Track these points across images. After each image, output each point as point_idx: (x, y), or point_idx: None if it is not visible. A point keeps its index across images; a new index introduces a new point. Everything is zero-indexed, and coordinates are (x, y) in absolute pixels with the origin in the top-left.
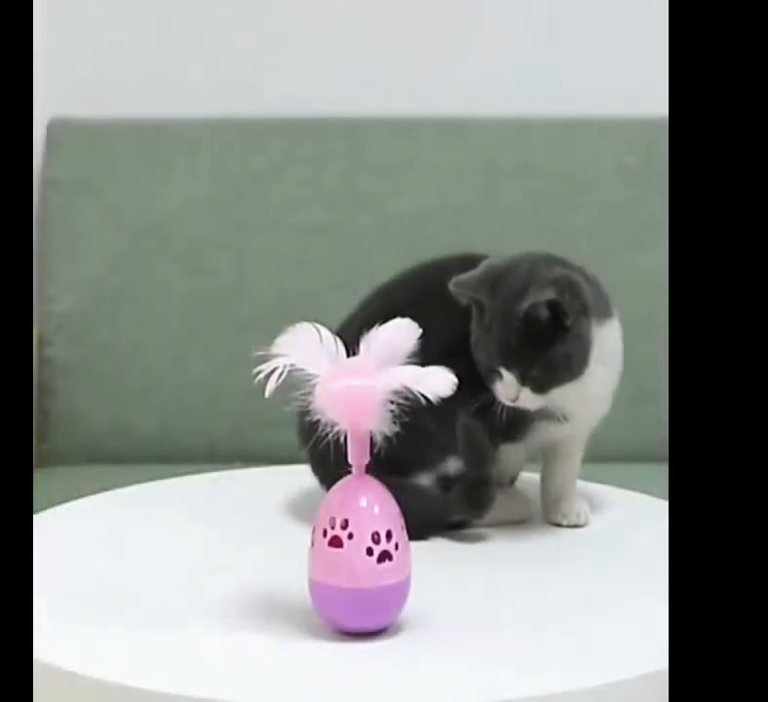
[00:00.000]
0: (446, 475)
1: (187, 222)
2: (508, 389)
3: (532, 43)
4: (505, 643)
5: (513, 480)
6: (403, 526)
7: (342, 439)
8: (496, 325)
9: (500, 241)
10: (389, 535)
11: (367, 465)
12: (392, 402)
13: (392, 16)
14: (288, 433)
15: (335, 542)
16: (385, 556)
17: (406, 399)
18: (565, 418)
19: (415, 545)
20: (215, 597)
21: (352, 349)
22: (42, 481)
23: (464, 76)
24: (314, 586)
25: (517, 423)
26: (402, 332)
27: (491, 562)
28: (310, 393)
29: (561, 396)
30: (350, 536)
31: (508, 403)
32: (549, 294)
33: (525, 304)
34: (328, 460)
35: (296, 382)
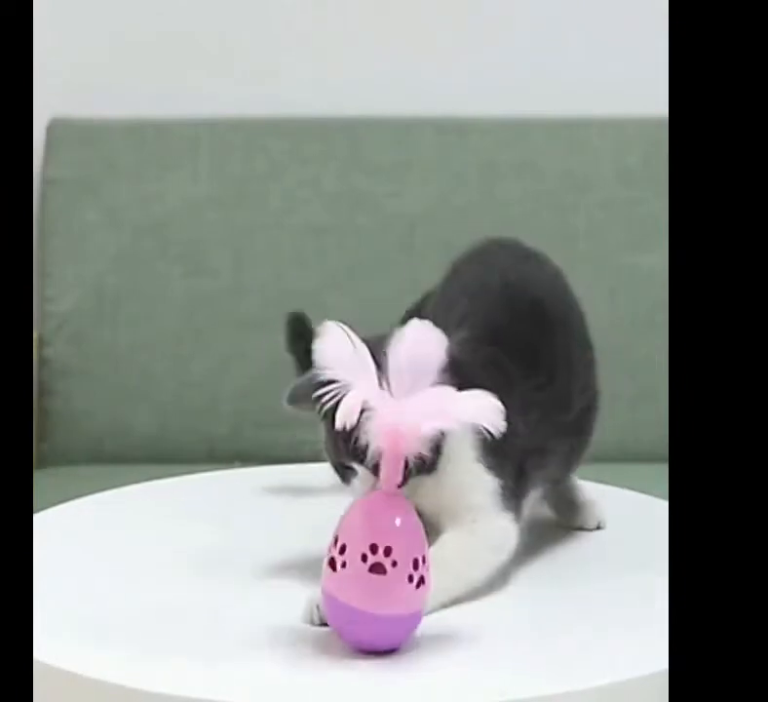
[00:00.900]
0: None
1: (187, 222)
2: (365, 481)
3: (532, 43)
4: (504, 644)
5: None
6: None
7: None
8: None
9: None
10: (424, 559)
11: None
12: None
13: (392, 16)
14: (288, 433)
15: (378, 569)
16: (421, 581)
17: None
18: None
19: None
20: (216, 597)
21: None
22: (42, 481)
23: (464, 76)
24: (344, 609)
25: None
26: (430, 345)
27: None
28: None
29: (418, 486)
30: (394, 564)
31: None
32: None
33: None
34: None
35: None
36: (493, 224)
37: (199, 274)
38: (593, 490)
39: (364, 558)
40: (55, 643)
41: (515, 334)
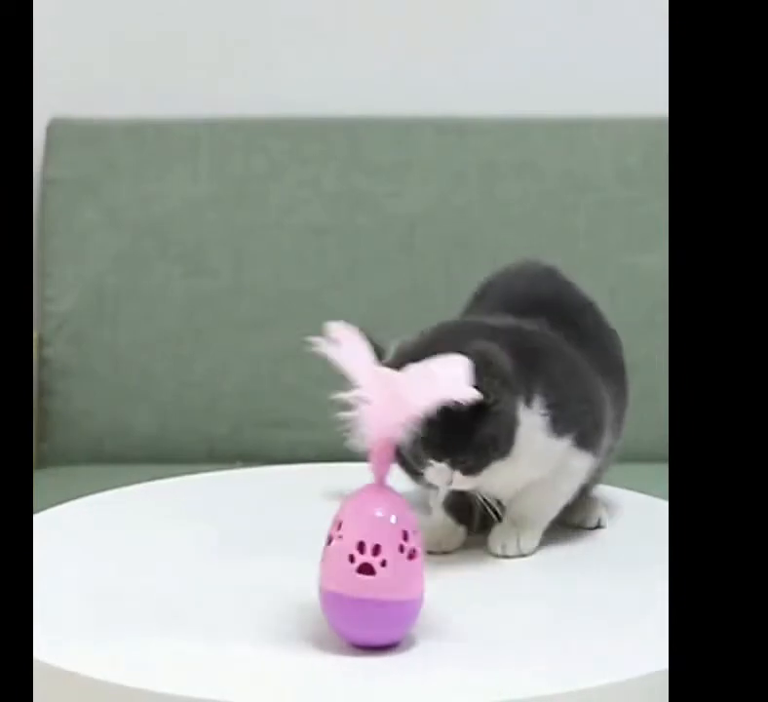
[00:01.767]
0: None
1: (187, 222)
2: (441, 475)
3: (532, 43)
4: (504, 644)
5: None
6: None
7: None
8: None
9: (500, 241)
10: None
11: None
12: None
13: (392, 16)
14: (289, 433)
15: (366, 569)
16: (414, 554)
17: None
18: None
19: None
20: (216, 597)
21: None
22: (42, 481)
23: (464, 76)
24: (340, 602)
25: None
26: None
27: (491, 562)
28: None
29: (493, 474)
30: (383, 564)
31: (443, 486)
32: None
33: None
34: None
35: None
36: (493, 224)
37: (199, 274)
38: (593, 490)
39: (352, 558)
40: (55, 643)
41: (558, 309)
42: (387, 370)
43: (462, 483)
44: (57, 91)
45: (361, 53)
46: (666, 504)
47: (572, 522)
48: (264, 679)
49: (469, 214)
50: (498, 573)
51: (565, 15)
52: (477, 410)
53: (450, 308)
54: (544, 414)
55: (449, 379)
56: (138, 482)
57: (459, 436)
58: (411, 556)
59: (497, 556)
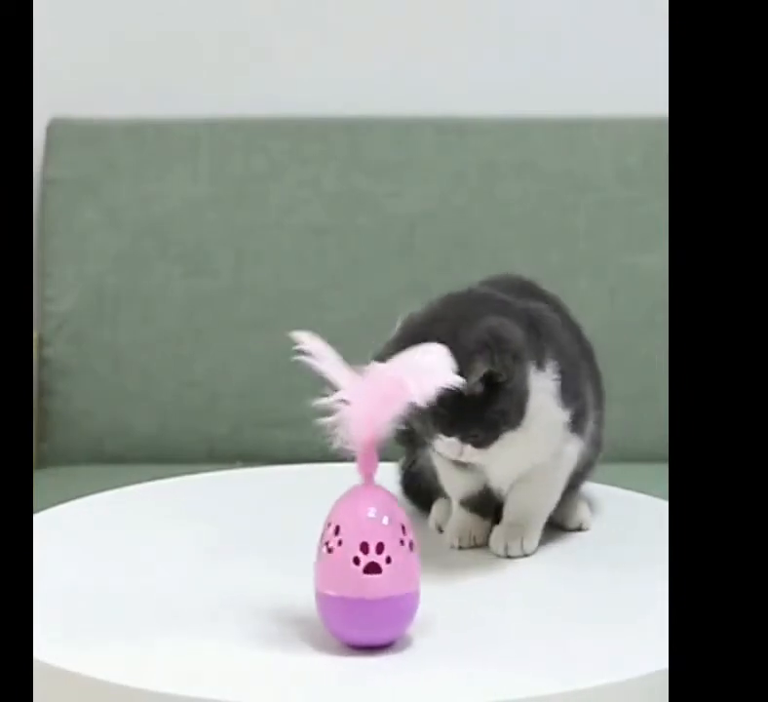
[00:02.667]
0: None
1: (187, 222)
2: (451, 448)
3: (532, 43)
4: (505, 644)
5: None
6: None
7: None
8: None
9: (500, 241)
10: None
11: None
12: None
13: (392, 16)
14: (289, 433)
15: (373, 569)
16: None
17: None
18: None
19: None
20: (216, 597)
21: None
22: (42, 481)
23: (464, 76)
24: (335, 602)
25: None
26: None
27: (491, 563)
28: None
29: (503, 447)
30: (388, 560)
31: (453, 457)
32: (480, 370)
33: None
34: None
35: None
36: (493, 224)
37: (199, 274)
38: (593, 490)
39: (357, 561)
40: (55, 643)
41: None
42: (371, 369)
43: (472, 455)
44: (57, 91)
45: (361, 53)
46: (666, 504)
47: (553, 521)
48: (264, 678)
49: (469, 214)
50: (497, 573)
51: (565, 15)
52: (489, 388)
53: None
54: (555, 379)
55: (432, 370)
56: (138, 482)
57: (470, 413)
58: (411, 548)
59: (500, 556)
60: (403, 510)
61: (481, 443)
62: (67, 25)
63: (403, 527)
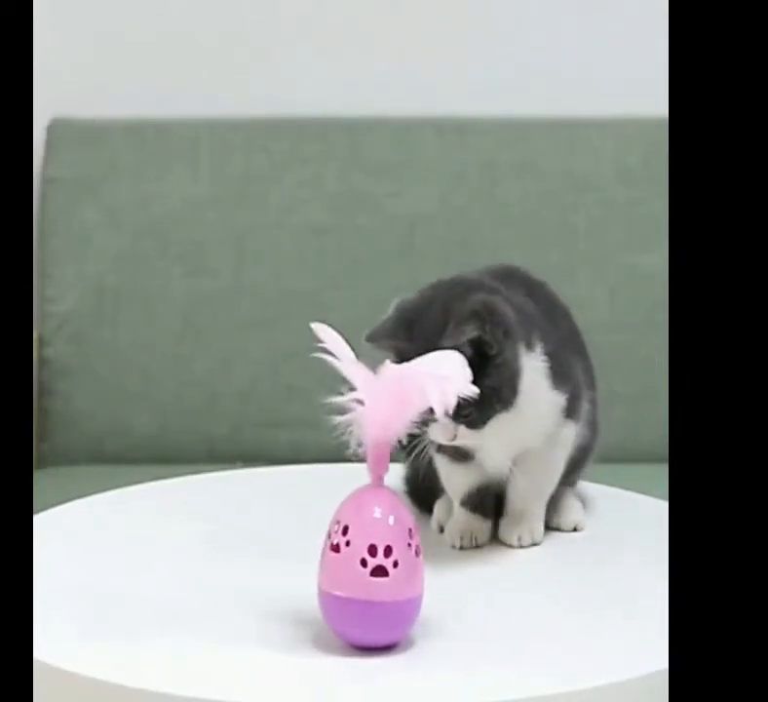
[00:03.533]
0: None
1: (187, 222)
2: (444, 430)
3: (532, 43)
4: (505, 644)
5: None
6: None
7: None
8: None
9: (500, 241)
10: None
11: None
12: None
13: (392, 16)
14: (289, 433)
15: (380, 572)
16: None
17: None
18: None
19: None
20: (216, 598)
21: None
22: (42, 481)
23: (464, 76)
24: (339, 602)
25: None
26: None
27: (492, 563)
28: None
29: (500, 427)
30: (395, 564)
31: (446, 442)
32: (470, 332)
33: (447, 346)
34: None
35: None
36: (493, 224)
37: (199, 274)
38: (592, 490)
39: (365, 563)
40: (55, 643)
41: (535, 294)
42: (389, 372)
43: (466, 437)
44: (57, 91)
45: (361, 53)
46: (666, 504)
47: (549, 524)
48: (264, 679)
49: (469, 214)
50: (497, 573)
51: (565, 15)
52: (479, 362)
53: None
54: (544, 360)
55: (451, 377)
56: (139, 482)
57: None
58: (417, 552)
59: (513, 547)
60: (411, 513)
61: (475, 422)
62: (67, 25)
63: (411, 531)
